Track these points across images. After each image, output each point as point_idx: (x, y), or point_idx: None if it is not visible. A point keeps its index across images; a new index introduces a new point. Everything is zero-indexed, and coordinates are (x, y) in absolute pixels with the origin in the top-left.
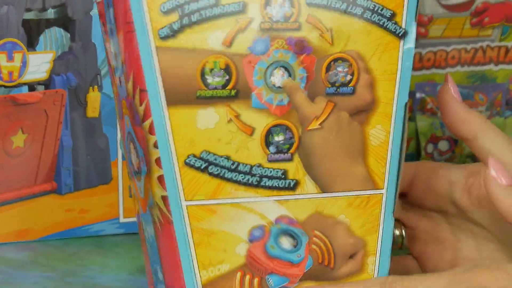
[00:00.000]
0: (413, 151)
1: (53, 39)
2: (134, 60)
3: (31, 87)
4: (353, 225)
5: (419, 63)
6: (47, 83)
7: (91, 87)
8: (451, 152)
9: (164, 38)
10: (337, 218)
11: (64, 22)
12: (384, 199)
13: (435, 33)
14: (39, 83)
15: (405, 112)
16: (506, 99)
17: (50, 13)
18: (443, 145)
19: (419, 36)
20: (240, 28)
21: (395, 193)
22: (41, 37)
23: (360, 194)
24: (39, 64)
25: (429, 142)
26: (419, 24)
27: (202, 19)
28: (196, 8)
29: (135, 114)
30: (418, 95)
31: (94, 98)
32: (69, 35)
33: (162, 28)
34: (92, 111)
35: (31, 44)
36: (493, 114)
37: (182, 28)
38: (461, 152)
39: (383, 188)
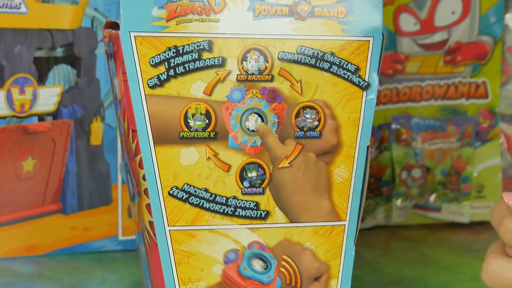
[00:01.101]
0: (388, 178)
1: (61, 75)
2: (128, 104)
3: (41, 117)
4: (318, 251)
5: (396, 97)
6: (55, 114)
7: (94, 118)
8: (424, 179)
9: (153, 87)
10: (303, 245)
11: (71, 59)
12: (346, 229)
13: (411, 70)
14: (48, 114)
15: (367, 153)
16: (476, 131)
17: (59, 52)
18: (416, 173)
19: (396, 72)
20: (220, 79)
21: (357, 224)
22: (50, 73)
23: (324, 224)
24: (48, 97)
25: (404, 169)
26: (397, 61)
27: (186, 71)
28: (181, 62)
29: (129, 149)
30: (394, 126)
31: (97, 128)
32: (75, 71)
33: (151, 78)
34: (95, 139)
35: (41, 79)
36: (463, 145)
37: (168, 79)
38: (433, 180)
39: (345, 220)
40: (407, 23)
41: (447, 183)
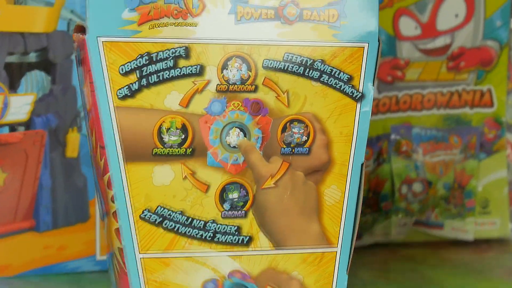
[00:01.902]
0: (387, 192)
1: (34, 81)
2: (96, 117)
3: (12, 127)
4: (307, 281)
5: (395, 105)
6: (28, 124)
7: (70, 128)
8: (425, 194)
9: (123, 98)
10: (290, 274)
11: (45, 65)
12: (338, 256)
13: (412, 77)
14: (20, 124)
15: (361, 172)
16: (480, 142)
17: (32, 57)
18: (417, 187)
19: (395, 79)
20: (197, 90)
21: (350, 250)
22: (23, 80)
23: (314, 251)
24: (20, 106)
25: (404, 183)
26: (397, 67)
27: (160, 81)
28: (154, 70)
29: (97, 167)
30: (393, 137)
31: (73, 138)
32: (50, 78)
33: (121, 88)
34: (71, 151)
35: (13, 87)
36: (467, 157)
37: (140, 89)
38: (435, 194)
39: (336, 246)
40: (408, 27)
41: (450, 198)
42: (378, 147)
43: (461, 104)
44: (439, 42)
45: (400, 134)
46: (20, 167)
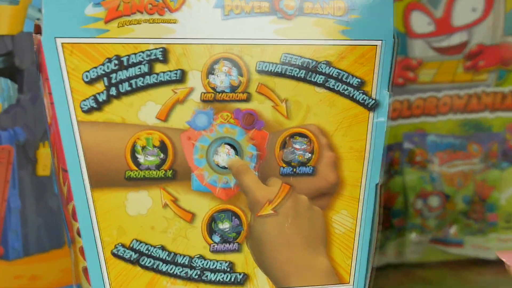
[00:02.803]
0: (400, 207)
1: None
2: (56, 134)
3: None
4: None
5: (407, 110)
6: None
7: (41, 143)
8: (442, 209)
9: (88, 111)
10: None
11: (11, 72)
12: None
13: (425, 78)
14: None
15: (376, 194)
16: (502, 150)
17: None
18: (433, 201)
19: (407, 81)
20: (178, 100)
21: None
22: None
23: None
24: None
25: (418, 197)
26: (408, 68)
27: (132, 90)
28: (125, 77)
29: (61, 193)
30: (406, 146)
31: (44, 155)
32: (16, 86)
33: (86, 99)
34: (43, 168)
35: None
36: (488, 166)
37: (109, 100)
38: (453, 209)
39: (349, 283)
40: (420, 23)
41: (470, 212)
42: (389, 157)
43: (481, 108)
44: (455, 39)
45: (414, 143)
46: None
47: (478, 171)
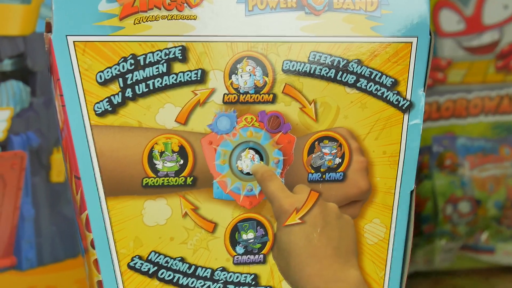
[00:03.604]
0: (429, 213)
1: (11, 94)
2: (68, 139)
3: None
4: None
5: (436, 112)
6: (4, 144)
7: (55, 148)
8: (473, 215)
9: (102, 114)
10: None
11: (23, 74)
12: None
13: (455, 79)
14: None
15: (411, 202)
16: None
17: (7, 65)
18: (464, 207)
19: (436, 82)
20: (199, 102)
21: None
22: None
23: None
24: None
25: (448, 202)
26: (437, 68)
27: (149, 91)
28: (142, 78)
29: (74, 201)
30: (435, 149)
31: (58, 160)
32: (29, 89)
33: (100, 102)
34: (57, 175)
35: None
36: None
37: (124, 102)
38: (485, 214)
39: None
40: (450, 21)
41: (502, 218)
42: (418, 161)
43: None
44: (486, 38)
45: (443, 146)
46: None
47: (510, 175)
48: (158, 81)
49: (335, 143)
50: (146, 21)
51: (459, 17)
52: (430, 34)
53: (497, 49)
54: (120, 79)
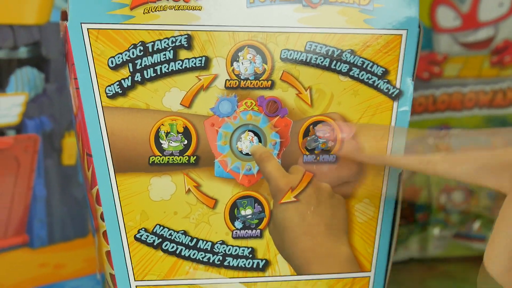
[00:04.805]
0: (424, 202)
1: (26, 80)
2: (82, 120)
3: (1, 132)
4: None
5: (432, 105)
6: (19, 128)
7: (67, 132)
8: (466, 204)
9: (113, 96)
10: None
11: (38, 61)
12: (371, 283)
13: (451, 73)
14: (9, 127)
15: (399, 183)
16: None
17: (23, 52)
18: (457, 196)
19: (433, 75)
20: (202, 87)
21: (385, 276)
22: (12, 78)
23: (342, 277)
24: (9, 107)
25: (442, 192)
26: (434, 63)
27: (157, 76)
28: (150, 63)
29: (85, 178)
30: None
31: (70, 144)
32: (43, 75)
33: (111, 85)
34: (68, 158)
35: (1, 86)
36: None
37: (133, 86)
38: (477, 204)
39: (370, 271)
40: (446, 17)
41: (494, 208)
42: None
43: (506, 104)
44: (481, 34)
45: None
46: (10, 177)
47: None
48: (165, 66)
49: (329, 127)
50: (155, 11)
51: (455, 14)
52: (419, 27)
53: (492, 45)
54: (130, 64)
